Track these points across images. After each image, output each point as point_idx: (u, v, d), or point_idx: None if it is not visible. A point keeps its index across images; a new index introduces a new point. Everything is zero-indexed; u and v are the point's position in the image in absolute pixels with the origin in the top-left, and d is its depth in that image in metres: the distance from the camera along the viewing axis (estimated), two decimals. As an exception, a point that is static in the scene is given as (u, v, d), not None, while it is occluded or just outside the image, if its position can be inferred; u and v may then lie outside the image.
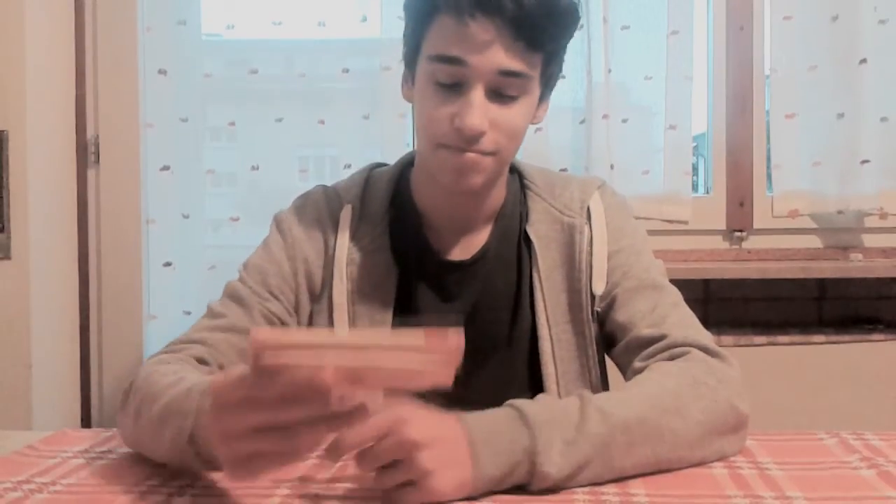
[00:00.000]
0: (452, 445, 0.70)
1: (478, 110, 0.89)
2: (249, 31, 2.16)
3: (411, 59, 0.97)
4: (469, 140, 0.90)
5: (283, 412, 0.60)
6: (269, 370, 0.57)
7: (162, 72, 2.11)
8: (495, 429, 0.73)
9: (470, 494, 0.70)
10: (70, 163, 2.11)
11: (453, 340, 0.56)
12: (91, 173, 2.14)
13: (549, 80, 0.97)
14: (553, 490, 0.73)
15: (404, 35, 0.97)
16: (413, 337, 0.56)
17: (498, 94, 0.91)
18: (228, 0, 2.17)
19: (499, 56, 0.88)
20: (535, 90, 0.94)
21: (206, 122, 2.19)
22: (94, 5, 2.13)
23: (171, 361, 0.90)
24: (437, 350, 0.56)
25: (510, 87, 0.90)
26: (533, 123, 0.99)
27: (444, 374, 0.58)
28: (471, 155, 0.91)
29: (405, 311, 1.02)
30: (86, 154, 2.13)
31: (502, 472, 0.71)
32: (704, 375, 0.85)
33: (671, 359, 0.90)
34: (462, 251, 1.04)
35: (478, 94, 0.89)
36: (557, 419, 0.74)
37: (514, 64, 0.89)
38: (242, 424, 0.61)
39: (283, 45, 2.21)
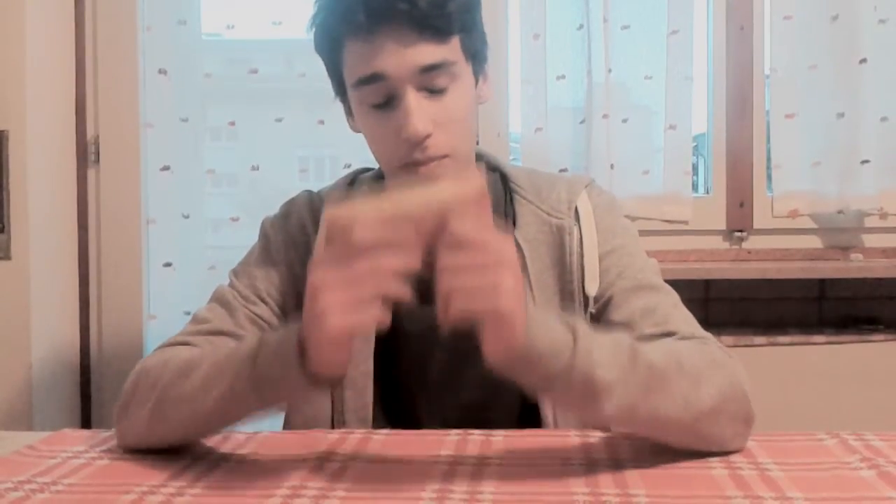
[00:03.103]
0: (520, 294, 0.69)
1: (416, 114, 0.89)
2: (249, 31, 2.16)
3: (341, 93, 0.98)
4: (421, 146, 0.90)
5: (371, 258, 0.66)
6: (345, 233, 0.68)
7: (162, 71, 2.11)
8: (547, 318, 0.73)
9: (518, 343, 0.69)
10: (70, 163, 2.11)
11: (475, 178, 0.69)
12: (91, 173, 2.14)
13: (475, 55, 0.96)
14: (553, 487, 0.73)
15: (327, 73, 0.98)
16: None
17: (430, 91, 0.91)
18: (228, 0, 2.17)
19: (413, 56, 0.88)
20: (465, 72, 0.94)
21: (206, 122, 2.19)
22: (94, 5, 2.13)
23: (168, 356, 0.90)
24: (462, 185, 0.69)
25: (437, 79, 0.90)
26: (480, 103, 0.99)
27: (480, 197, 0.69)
28: (429, 166, 0.92)
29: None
30: (86, 154, 2.13)
31: (549, 343, 0.70)
32: (723, 360, 0.86)
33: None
34: None
35: (411, 99, 0.89)
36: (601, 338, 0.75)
37: (431, 56, 0.89)
38: (340, 275, 0.67)
39: (283, 45, 2.21)
